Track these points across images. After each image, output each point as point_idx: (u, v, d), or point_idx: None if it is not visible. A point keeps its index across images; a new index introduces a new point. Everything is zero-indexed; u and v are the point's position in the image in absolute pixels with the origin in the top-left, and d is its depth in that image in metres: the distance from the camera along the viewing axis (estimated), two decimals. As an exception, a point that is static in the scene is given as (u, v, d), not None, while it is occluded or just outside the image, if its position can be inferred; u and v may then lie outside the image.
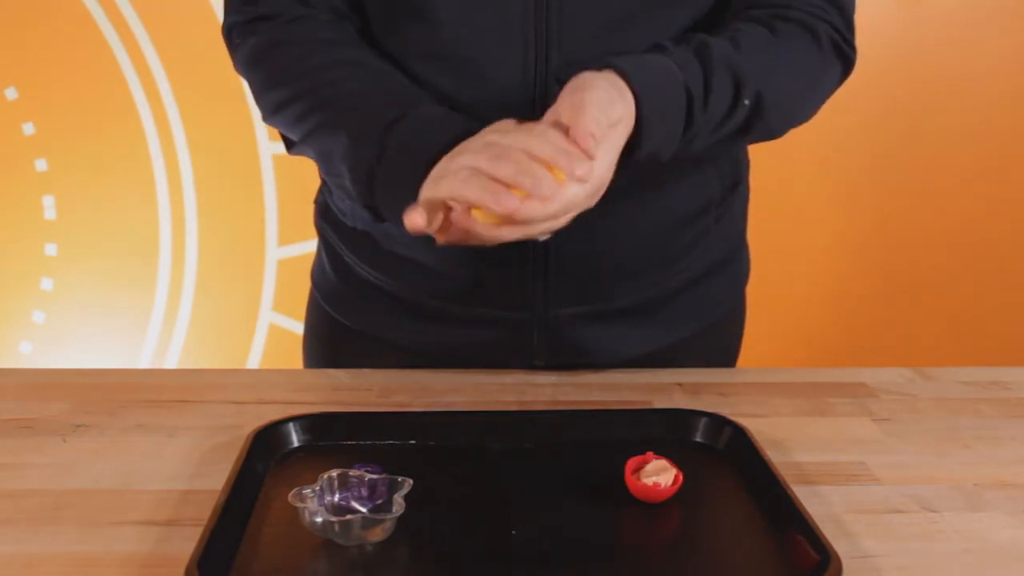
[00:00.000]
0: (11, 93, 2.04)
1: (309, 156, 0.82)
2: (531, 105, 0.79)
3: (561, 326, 0.87)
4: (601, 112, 0.67)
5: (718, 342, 0.98)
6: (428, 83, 0.81)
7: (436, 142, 0.71)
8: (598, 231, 0.83)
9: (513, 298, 0.86)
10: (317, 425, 0.73)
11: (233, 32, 0.85)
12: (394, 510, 0.59)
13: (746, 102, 0.76)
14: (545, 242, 0.83)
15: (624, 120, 0.70)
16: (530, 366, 0.90)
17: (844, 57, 0.84)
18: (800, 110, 0.84)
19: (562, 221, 0.68)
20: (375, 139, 0.74)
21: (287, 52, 0.82)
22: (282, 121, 0.82)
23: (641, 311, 0.90)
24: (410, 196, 0.69)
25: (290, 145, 0.84)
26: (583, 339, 0.88)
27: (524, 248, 0.84)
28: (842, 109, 2.00)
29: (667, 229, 0.87)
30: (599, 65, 0.72)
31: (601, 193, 0.69)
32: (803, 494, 0.65)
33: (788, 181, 2.02)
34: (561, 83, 0.71)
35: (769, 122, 0.79)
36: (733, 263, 0.97)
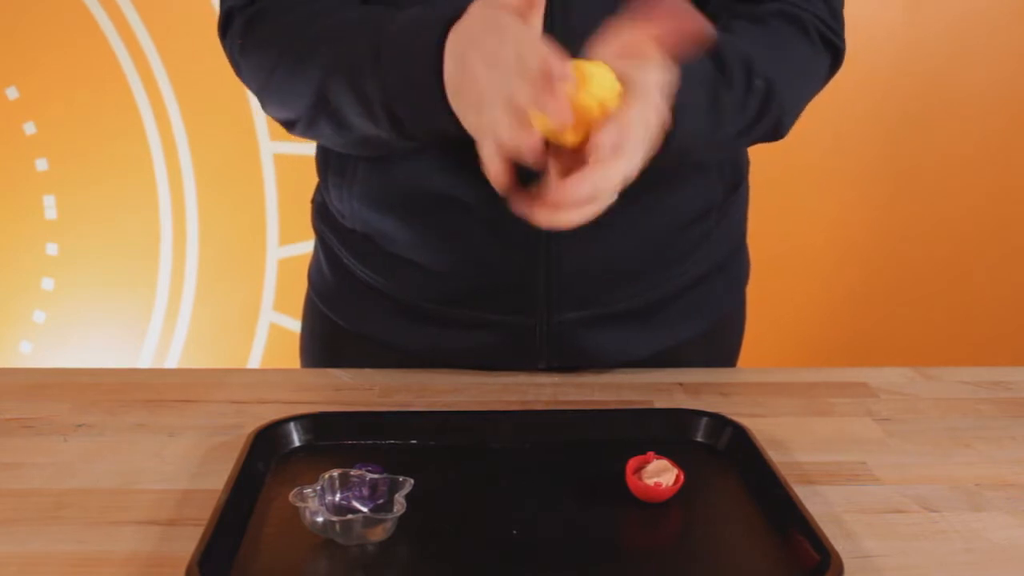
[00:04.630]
0: (12, 93, 2.04)
1: (320, 123, 0.79)
2: None
3: (563, 330, 0.87)
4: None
5: (719, 343, 0.98)
6: None
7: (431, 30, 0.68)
8: (601, 235, 0.83)
9: (515, 302, 0.86)
10: (318, 425, 0.73)
11: (232, 15, 0.82)
12: (395, 510, 0.59)
13: (758, 82, 0.76)
14: (548, 246, 0.83)
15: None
16: (532, 370, 0.90)
17: (833, 47, 0.83)
18: (800, 99, 0.83)
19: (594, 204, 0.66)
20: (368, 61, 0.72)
21: (279, 21, 0.79)
22: (278, 91, 0.79)
23: (643, 314, 0.89)
24: (430, 90, 0.68)
25: (291, 124, 0.81)
26: (585, 343, 0.88)
27: (526, 251, 0.84)
28: (841, 109, 2.02)
29: (670, 232, 0.87)
30: None
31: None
32: (804, 494, 0.65)
33: (788, 181, 2.02)
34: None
35: (781, 108, 0.78)
36: (733, 264, 0.96)
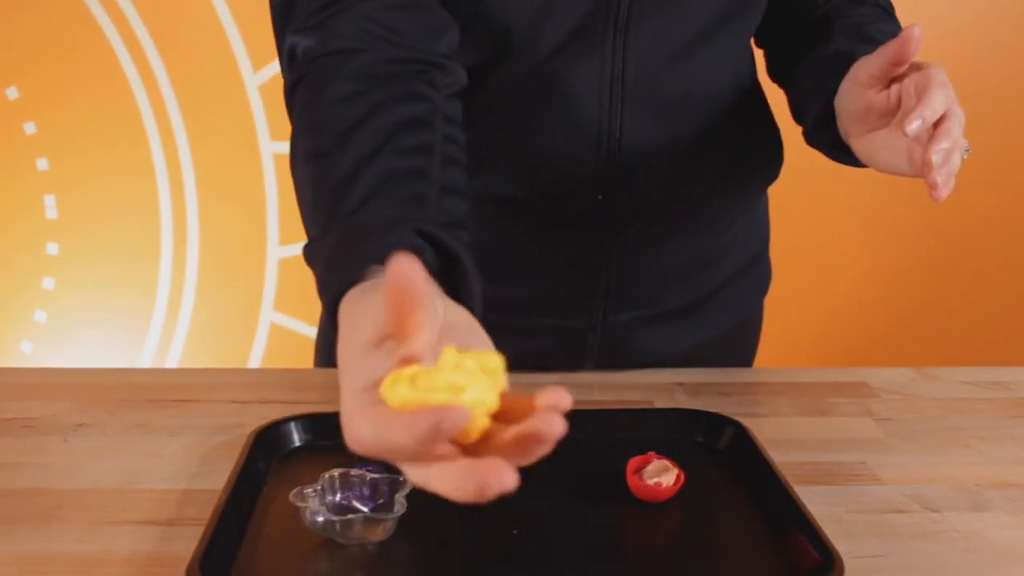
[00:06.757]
0: (12, 92, 2.04)
1: None
2: (604, 130, 0.78)
3: (615, 331, 0.88)
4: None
5: (743, 340, 1.00)
6: (492, 117, 0.78)
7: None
8: (660, 239, 0.84)
9: (575, 307, 0.86)
10: (318, 424, 0.73)
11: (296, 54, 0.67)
12: (395, 510, 0.59)
13: None
14: (611, 250, 0.83)
15: None
16: (579, 370, 0.89)
17: None
18: None
19: None
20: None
21: (314, 95, 0.65)
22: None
23: (686, 311, 0.91)
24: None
25: None
26: (633, 341, 0.89)
27: (588, 257, 0.83)
28: (843, 109, 2.01)
29: (713, 233, 0.89)
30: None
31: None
32: (804, 494, 0.65)
33: (788, 184, 2.02)
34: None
35: None
36: (759, 263, 0.98)
